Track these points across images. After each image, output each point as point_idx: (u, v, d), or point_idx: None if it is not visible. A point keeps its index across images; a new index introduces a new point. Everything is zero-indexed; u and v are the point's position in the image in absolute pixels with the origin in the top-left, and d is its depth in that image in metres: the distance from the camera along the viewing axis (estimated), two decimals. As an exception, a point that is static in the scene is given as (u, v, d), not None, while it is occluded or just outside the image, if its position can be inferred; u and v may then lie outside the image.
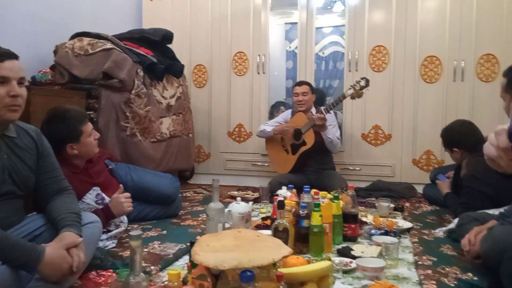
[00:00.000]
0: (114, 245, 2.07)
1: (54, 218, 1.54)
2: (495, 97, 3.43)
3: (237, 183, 4.11)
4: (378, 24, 3.79)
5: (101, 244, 1.97)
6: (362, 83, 3.22)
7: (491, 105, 3.48)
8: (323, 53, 5.63)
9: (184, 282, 1.37)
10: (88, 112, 2.91)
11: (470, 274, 1.72)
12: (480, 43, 3.54)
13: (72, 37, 3.20)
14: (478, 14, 3.53)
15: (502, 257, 1.43)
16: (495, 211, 2.05)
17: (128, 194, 2.15)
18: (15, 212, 1.56)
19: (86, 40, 3.09)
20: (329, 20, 5.36)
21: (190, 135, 3.87)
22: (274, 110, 4.63)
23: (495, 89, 3.47)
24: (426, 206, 3.11)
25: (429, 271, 1.75)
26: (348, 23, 3.89)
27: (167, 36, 3.54)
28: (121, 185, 2.20)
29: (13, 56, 1.48)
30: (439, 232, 2.33)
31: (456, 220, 2.19)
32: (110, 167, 2.44)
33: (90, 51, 3.02)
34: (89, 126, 2.15)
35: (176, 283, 1.27)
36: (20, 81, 1.48)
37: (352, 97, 3.28)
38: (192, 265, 1.30)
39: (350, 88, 3.27)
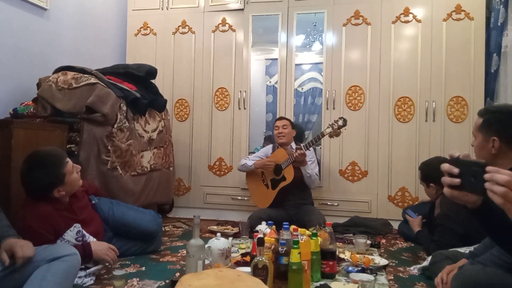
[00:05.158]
0: (92, 282, 2.05)
1: None
2: (465, 137, 3.61)
3: (217, 217, 4.12)
4: (354, 64, 3.96)
5: (79, 281, 1.96)
6: (340, 122, 3.33)
7: (461, 145, 3.63)
8: (302, 88, 5.78)
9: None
10: (70, 145, 2.92)
11: (443, 312, 1.78)
12: (450, 86, 3.74)
13: (56, 71, 3.22)
14: (447, 58, 3.74)
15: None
16: (465, 250, 2.14)
17: (116, 250, 2.19)
18: None
19: (70, 74, 3.11)
20: (308, 57, 5.56)
21: (171, 168, 3.88)
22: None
23: (465, 129, 3.66)
24: (402, 242, 3.18)
25: (404, 309, 1.81)
26: (325, 63, 4.05)
27: (151, 72, 3.61)
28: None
29: None
30: (414, 269, 2.40)
31: (429, 258, 2.27)
32: (93, 202, 2.43)
33: (74, 85, 3.04)
34: (69, 164, 2.15)
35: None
36: None
37: (330, 136, 3.38)
38: (175, 305, 1.33)
39: (328, 127, 3.37)
